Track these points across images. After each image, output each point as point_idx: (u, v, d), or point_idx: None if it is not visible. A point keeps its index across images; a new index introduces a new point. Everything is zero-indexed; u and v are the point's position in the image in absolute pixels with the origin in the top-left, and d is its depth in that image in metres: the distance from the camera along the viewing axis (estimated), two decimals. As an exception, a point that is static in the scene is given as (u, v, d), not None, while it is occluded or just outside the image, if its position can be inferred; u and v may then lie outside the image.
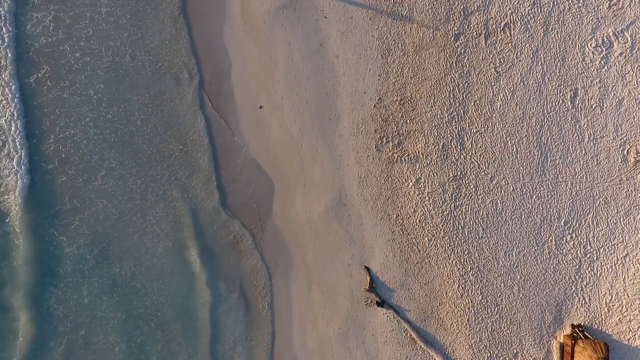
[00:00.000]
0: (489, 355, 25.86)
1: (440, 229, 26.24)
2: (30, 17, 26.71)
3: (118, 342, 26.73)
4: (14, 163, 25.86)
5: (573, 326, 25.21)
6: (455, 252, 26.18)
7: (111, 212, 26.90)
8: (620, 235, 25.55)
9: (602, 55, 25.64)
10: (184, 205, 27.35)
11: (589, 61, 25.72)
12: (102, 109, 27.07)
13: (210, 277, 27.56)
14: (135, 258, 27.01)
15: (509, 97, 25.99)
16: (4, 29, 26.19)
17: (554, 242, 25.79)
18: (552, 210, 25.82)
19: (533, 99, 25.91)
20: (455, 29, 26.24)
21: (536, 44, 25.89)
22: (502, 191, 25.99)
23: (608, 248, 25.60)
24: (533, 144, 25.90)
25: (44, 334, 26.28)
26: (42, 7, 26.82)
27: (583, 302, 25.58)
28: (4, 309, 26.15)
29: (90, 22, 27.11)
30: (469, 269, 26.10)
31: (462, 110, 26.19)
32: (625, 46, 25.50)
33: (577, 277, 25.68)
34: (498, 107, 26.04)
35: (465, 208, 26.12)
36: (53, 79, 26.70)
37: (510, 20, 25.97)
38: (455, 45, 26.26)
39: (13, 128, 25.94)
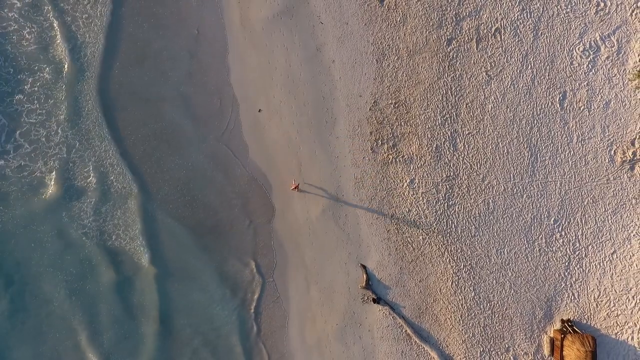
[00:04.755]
0: (481, 349, 26.62)
1: (434, 228, 27.00)
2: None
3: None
4: (125, 184, 28.34)
5: (562, 321, 25.97)
6: (449, 250, 26.93)
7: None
8: (608, 233, 26.32)
9: (589, 59, 26.44)
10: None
11: (577, 65, 26.51)
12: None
13: (208, 278, 28.18)
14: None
15: (499, 99, 26.77)
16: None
17: (544, 240, 26.57)
18: (542, 209, 26.60)
19: (523, 101, 26.70)
20: (448, 34, 27.02)
21: (526, 48, 26.68)
22: (494, 191, 26.77)
23: (596, 245, 26.37)
24: (523, 145, 26.67)
25: (166, 339, 27.91)
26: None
27: (572, 297, 26.36)
28: (130, 318, 28.09)
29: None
30: (462, 266, 26.85)
31: (454, 113, 26.96)
32: (611, 50, 26.30)
33: (566, 273, 26.45)
34: (489, 110, 26.82)
35: (458, 207, 26.89)
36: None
37: (501, 26, 26.76)
38: (448, 49, 27.03)
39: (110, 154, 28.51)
